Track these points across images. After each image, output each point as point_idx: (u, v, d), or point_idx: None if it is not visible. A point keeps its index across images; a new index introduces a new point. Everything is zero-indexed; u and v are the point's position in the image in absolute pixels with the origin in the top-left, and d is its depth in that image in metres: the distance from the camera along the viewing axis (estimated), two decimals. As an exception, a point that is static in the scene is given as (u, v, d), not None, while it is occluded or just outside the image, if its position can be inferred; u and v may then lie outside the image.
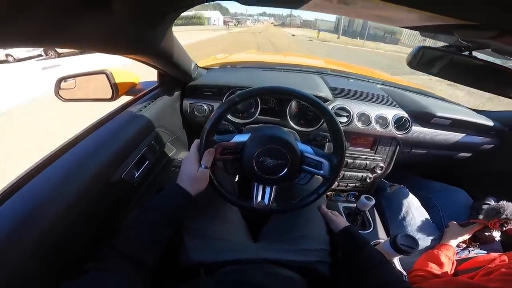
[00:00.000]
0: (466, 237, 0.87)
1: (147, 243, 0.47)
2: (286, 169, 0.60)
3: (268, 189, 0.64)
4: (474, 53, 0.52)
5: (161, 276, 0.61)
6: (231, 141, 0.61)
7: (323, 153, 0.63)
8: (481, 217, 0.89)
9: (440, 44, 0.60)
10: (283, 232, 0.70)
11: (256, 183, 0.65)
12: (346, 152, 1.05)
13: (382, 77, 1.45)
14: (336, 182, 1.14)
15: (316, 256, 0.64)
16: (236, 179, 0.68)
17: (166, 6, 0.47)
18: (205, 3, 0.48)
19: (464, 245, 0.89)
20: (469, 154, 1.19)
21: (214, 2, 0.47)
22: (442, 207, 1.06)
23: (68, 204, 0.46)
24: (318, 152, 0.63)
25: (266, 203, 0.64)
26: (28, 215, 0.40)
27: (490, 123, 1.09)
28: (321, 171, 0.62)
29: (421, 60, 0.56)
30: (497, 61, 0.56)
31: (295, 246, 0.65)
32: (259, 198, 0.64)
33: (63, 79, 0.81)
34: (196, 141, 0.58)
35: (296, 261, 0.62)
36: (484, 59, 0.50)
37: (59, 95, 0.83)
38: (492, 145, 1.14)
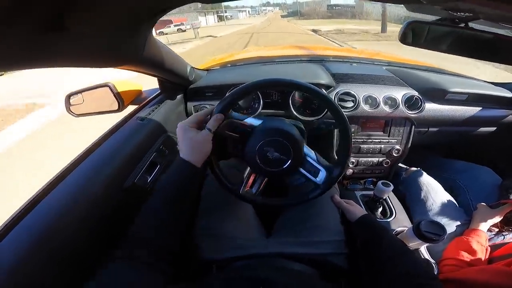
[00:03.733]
0: (497, 219, 0.80)
1: (161, 227, 0.45)
2: (285, 166, 0.59)
3: (259, 180, 0.64)
4: (471, 24, 0.49)
5: (174, 275, 0.61)
6: (244, 121, 0.60)
7: (325, 164, 0.63)
8: None
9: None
10: (295, 224, 0.69)
11: (250, 170, 0.64)
12: (357, 136, 1.02)
13: (387, 58, 1.40)
14: (350, 170, 1.11)
15: (329, 248, 0.62)
16: (245, 175, 0.67)
17: (142, 14, 0.46)
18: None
19: (497, 229, 0.82)
20: (493, 129, 1.11)
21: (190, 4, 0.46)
22: (468, 188, 0.98)
23: (84, 216, 0.48)
24: (320, 160, 0.63)
25: (253, 192, 0.64)
26: (44, 233, 0.42)
27: (510, 94, 1.02)
28: (316, 179, 0.61)
29: (413, 36, 0.54)
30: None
31: (307, 238, 0.64)
32: (248, 186, 0.64)
33: (71, 95, 0.84)
34: (199, 112, 0.58)
35: (309, 254, 0.60)
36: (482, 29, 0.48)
37: (71, 111, 0.86)
38: None
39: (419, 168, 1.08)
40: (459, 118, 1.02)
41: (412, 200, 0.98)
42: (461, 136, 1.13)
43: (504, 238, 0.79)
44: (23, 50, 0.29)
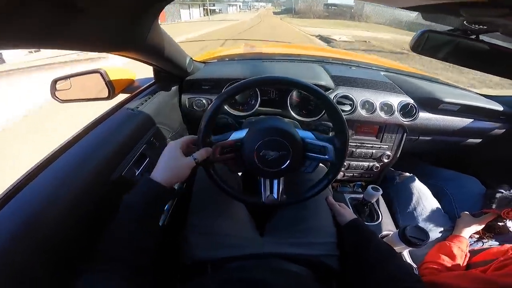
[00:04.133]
0: (479, 227, 0.84)
1: (131, 244, 0.44)
2: (289, 160, 0.58)
3: (275, 182, 0.63)
4: (482, 37, 0.49)
5: (167, 273, 0.60)
6: (229, 139, 0.59)
7: (325, 137, 0.61)
8: (494, 206, 0.86)
9: (443, 28, 0.57)
10: (290, 225, 0.69)
11: (262, 178, 0.63)
12: (351, 141, 1.02)
13: (385, 64, 1.41)
14: (341, 173, 1.12)
15: (323, 250, 0.63)
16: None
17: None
18: None
19: (478, 236, 0.86)
20: (479, 140, 1.15)
21: None
22: (454, 196, 1.02)
23: (69, 205, 0.46)
24: (319, 136, 0.61)
25: (276, 197, 0.62)
26: (29, 219, 0.39)
27: (500, 107, 1.05)
28: (326, 156, 0.59)
29: (425, 45, 0.54)
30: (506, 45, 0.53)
31: (301, 239, 0.64)
32: (268, 193, 0.63)
33: (58, 80, 0.79)
34: (189, 136, 0.57)
35: (303, 254, 0.61)
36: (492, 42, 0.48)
37: (56, 96, 0.81)
38: (503, 130, 1.10)
39: (412, 174, 1.10)
40: (449, 128, 1.04)
41: (403, 205, 1.00)
42: (449, 145, 1.16)
43: (483, 244, 0.83)
44: (41, 30, 0.31)
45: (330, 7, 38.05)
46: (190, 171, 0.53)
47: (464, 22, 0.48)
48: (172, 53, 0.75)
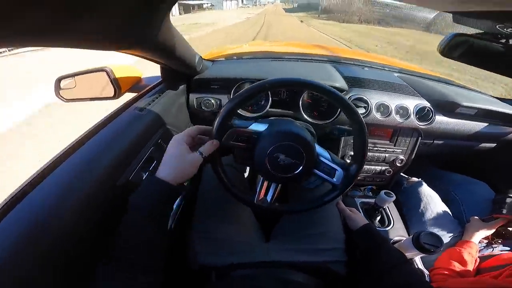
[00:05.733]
0: (489, 232, 0.83)
1: (142, 245, 0.42)
2: (298, 170, 0.55)
3: (273, 187, 0.60)
4: None
5: (171, 279, 0.59)
6: (248, 128, 0.56)
7: (340, 162, 0.59)
8: (504, 211, 0.85)
9: (472, 31, 0.53)
10: (296, 230, 0.68)
11: (262, 178, 0.61)
12: None
13: (398, 65, 1.37)
14: None
15: (331, 256, 0.62)
16: (246, 175, 0.64)
17: None
18: None
19: (487, 241, 0.85)
20: (493, 145, 1.12)
21: None
22: (463, 201, 1.01)
23: (76, 209, 0.44)
24: (335, 159, 0.59)
25: (269, 201, 0.60)
26: (35, 223, 0.39)
27: None
28: (334, 179, 0.58)
29: (455, 49, 0.51)
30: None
31: (309, 246, 0.63)
32: (262, 195, 0.60)
33: (62, 78, 0.77)
34: (195, 127, 0.54)
35: (310, 262, 0.59)
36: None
37: (60, 95, 0.79)
38: None
39: (420, 179, 1.08)
40: (465, 133, 1.01)
41: (412, 210, 0.99)
42: (461, 149, 1.13)
43: (493, 250, 0.82)
44: (48, 26, 0.30)
45: (386, 8, 21.66)
46: (197, 169, 0.50)
47: (497, 26, 0.46)
48: (182, 51, 0.72)
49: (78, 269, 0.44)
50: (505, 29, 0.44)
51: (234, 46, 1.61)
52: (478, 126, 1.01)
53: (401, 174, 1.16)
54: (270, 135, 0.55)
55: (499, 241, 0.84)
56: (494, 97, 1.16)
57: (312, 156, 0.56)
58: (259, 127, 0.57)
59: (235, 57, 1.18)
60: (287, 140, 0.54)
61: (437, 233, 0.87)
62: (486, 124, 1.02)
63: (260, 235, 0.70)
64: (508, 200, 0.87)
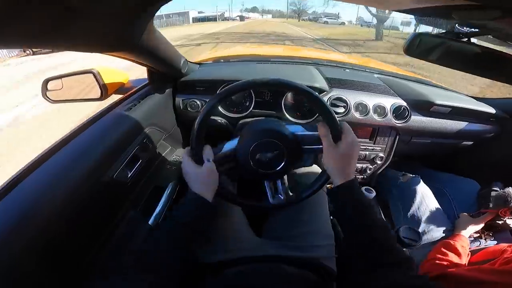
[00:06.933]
0: (478, 227, 0.86)
1: (173, 257, 0.45)
2: (285, 158, 0.58)
3: (279, 183, 0.63)
4: (473, 40, 0.50)
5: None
6: (222, 151, 0.60)
7: (315, 127, 0.60)
8: (491, 205, 0.87)
9: (435, 31, 0.57)
10: (287, 228, 0.69)
11: (265, 181, 0.63)
12: None
13: (379, 67, 1.42)
14: None
15: (323, 252, 0.63)
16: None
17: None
18: None
19: (476, 235, 0.88)
20: (471, 143, 1.16)
21: None
22: (453, 197, 1.05)
23: (60, 205, 0.46)
24: (309, 128, 0.61)
25: (282, 198, 0.63)
26: (18, 219, 0.40)
27: (491, 110, 1.06)
28: (321, 146, 0.58)
29: (418, 47, 0.54)
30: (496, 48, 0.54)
31: (301, 243, 0.64)
32: (274, 194, 0.63)
33: (49, 80, 0.78)
34: (187, 149, 0.57)
35: (304, 257, 0.60)
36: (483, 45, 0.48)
37: (47, 96, 0.80)
38: (494, 133, 1.12)
39: (417, 175, 1.11)
40: (442, 130, 1.05)
41: (406, 204, 1.02)
42: (442, 147, 1.17)
43: (480, 244, 0.85)
44: (36, 31, 0.32)
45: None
46: (217, 174, 0.55)
47: (456, 25, 0.49)
48: (167, 54, 0.75)
49: (61, 260, 0.46)
50: (464, 28, 0.47)
51: (222, 51, 1.65)
52: (454, 124, 1.05)
53: (396, 170, 1.19)
54: (243, 144, 0.59)
55: (489, 235, 0.87)
56: (470, 96, 1.21)
57: (287, 139, 0.58)
58: (231, 144, 0.60)
59: (222, 60, 1.21)
60: (257, 139, 0.57)
61: (431, 227, 0.92)
62: (463, 123, 1.06)
63: (251, 232, 0.70)
64: (493, 193, 0.89)
